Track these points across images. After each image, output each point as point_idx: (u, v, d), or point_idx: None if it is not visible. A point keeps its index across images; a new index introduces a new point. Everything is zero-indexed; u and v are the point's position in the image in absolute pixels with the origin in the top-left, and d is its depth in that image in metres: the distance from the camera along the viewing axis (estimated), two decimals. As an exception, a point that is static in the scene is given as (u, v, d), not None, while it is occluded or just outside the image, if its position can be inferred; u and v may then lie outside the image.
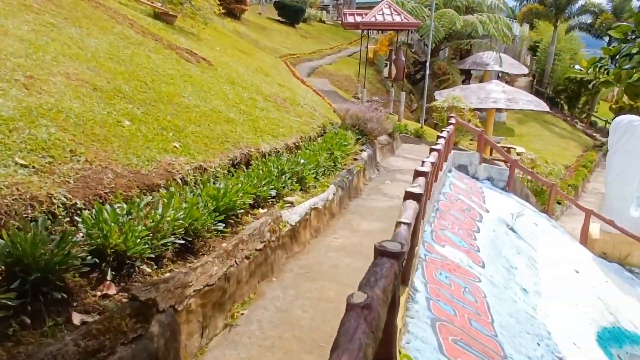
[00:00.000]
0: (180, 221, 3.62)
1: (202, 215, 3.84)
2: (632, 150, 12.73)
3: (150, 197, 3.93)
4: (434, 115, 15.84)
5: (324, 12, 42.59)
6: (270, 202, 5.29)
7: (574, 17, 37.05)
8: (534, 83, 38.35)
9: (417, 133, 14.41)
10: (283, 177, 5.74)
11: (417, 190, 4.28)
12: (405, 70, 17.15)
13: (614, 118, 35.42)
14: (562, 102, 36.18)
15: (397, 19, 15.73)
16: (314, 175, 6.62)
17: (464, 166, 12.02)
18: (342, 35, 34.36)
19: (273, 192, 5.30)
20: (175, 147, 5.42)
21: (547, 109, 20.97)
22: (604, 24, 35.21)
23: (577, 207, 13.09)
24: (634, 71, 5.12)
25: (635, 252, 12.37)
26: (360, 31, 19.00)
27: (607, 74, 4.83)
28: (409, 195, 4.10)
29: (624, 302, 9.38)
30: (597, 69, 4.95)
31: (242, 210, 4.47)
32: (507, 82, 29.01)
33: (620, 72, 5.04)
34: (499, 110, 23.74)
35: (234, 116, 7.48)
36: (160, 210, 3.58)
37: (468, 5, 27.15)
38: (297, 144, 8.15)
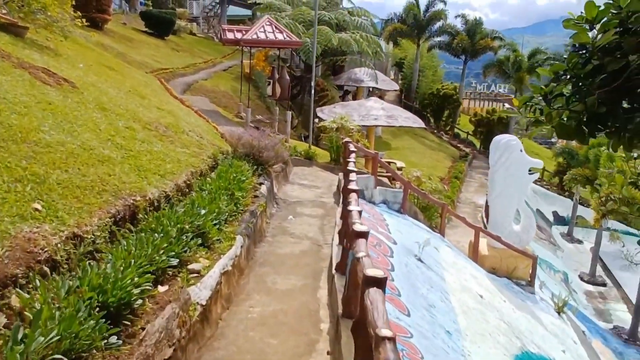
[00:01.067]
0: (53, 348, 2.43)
1: (86, 328, 2.67)
2: (511, 168, 13.49)
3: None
4: (322, 136, 15.44)
5: (194, 24, 40.80)
6: (172, 274, 4.17)
7: (433, 36, 39.90)
8: (402, 97, 40.54)
9: (307, 155, 13.85)
10: (184, 237, 4.63)
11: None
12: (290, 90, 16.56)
13: (474, 129, 38.03)
14: (428, 115, 38.59)
15: (280, 37, 15.10)
16: (217, 226, 5.58)
17: (360, 191, 11.66)
18: (215, 49, 33.02)
19: (174, 261, 4.19)
20: (36, 209, 4.05)
21: (423, 125, 21.88)
22: (460, 44, 38.38)
23: (467, 225, 13.47)
24: (565, 111, 4.81)
25: (520, 265, 13.07)
26: (235, 45, 18.18)
27: (541, 112, 4.52)
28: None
29: (523, 321, 9.65)
30: (529, 108, 4.64)
31: (140, 301, 3.33)
32: (378, 97, 30.14)
33: (551, 112, 4.73)
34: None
35: (109, 153, 6.13)
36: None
37: (338, 23, 27.65)
38: (188, 181, 7.00)
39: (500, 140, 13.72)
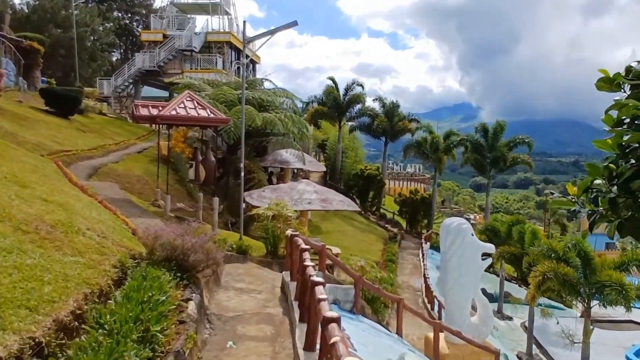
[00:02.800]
0: None
1: None
2: (465, 255, 12.15)
3: None
4: (254, 225, 13.39)
5: (105, 104, 38.22)
6: None
7: (354, 118, 40.32)
8: (327, 179, 39.77)
9: (240, 248, 11.67)
10: None
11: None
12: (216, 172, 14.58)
13: (399, 209, 37.60)
14: (354, 196, 37.86)
15: (203, 113, 13.30)
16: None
17: (308, 292, 9.59)
18: (128, 130, 30.51)
19: None
20: None
21: (357, 208, 20.57)
22: (380, 126, 38.93)
23: (425, 321, 11.71)
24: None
25: (484, 360, 11.44)
26: (150, 125, 16.15)
27: (596, 203, 2.87)
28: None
29: None
30: (589, 197, 2.98)
31: None
32: (302, 178, 28.89)
33: (617, 201, 3.03)
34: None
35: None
36: None
37: (262, 103, 26.63)
38: (79, 310, 4.64)
39: (450, 224, 12.43)
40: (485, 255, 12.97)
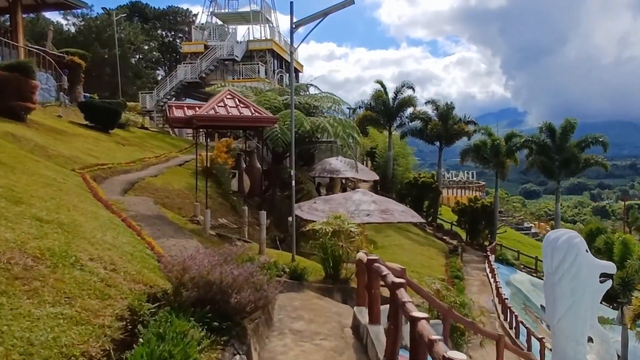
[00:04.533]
0: None
1: None
2: (579, 277, 9.42)
3: None
4: (312, 243, 11.32)
5: (147, 118, 37.44)
6: None
7: (405, 123, 37.92)
8: (378, 188, 37.39)
9: (294, 272, 9.57)
10: None
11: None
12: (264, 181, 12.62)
13: (457, 219, 34.52)
14: (408, 206, 35.26)
15: (246, 112, 11.37)
16: None
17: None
18: (170, 143, 29.32)
19: None
20: None
21: (421, 219, 18.18)
22: (434, 130, 36.30)
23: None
24: None
25: None
26: (193, 137, 14.50)
27: None
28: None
29: None
30: None
31: None
32: (351, 189, 26.72)
33: None
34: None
35: None
36: None
37: (309, 108, 24.71)
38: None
39: (559, 238, 9.63)
40: (604, 276, 10.24)
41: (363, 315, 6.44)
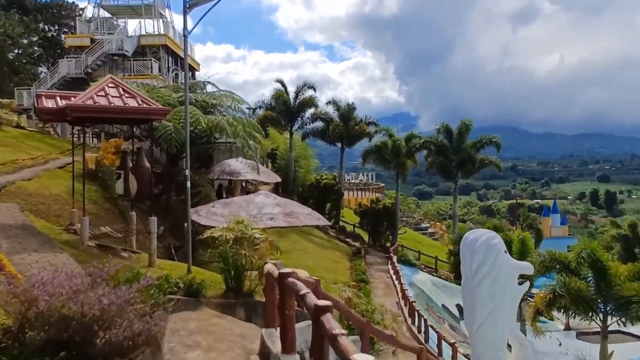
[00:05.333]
0: None
1: None
2: (499, 279, 9.02)
3: None
4: (210, 253, 9.94)
5: (24, 116, 33.16)
6: None
7: (307, 124, 37.37)
8: (279, 190, 36.41)
9: (189, 287, 8.18)
10: None
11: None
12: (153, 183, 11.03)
13: (360, 221, 34.50)
14: (310, 208, 34.70)
15: (132, 102, 9.75)
16: None
17: (301, 354, 6.25)
18: (50, 144, 26.01)
19: None
20: None
21: (327, 222, 17.47)
22: (336, 131, 36.11)
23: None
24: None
25: None
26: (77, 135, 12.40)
27: None
28: None
29: None
30: None
31: None
32: (252, 191, 25.52)
33: None
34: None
35: None
36: None
37: (206, 107, 23.05)
38: None
39: (477, 239, 9.10)
40: (521, 277, 10.01)
41: (274, 340, 5.33)
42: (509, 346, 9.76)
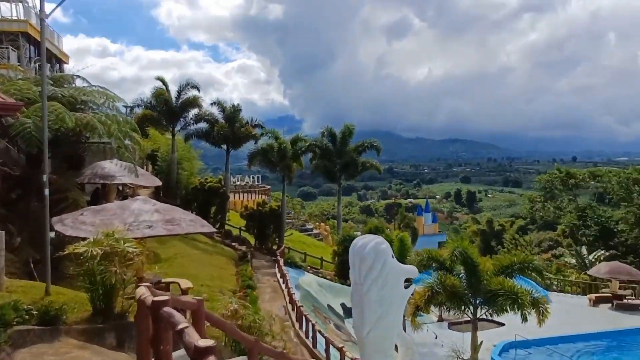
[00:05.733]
0: None
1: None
2: (387, 286, 9.01)
3: None
4: (74, 270, 8.69)
5: None
6: None
7: (190, 125, 35.75)
8: (161, 194, 34.38)
9: (46, 314, 7.03)
10: None
11: None
12: None
13: (246, 224, 33.90)
14: (194, 212, 33.24)
15: (-25, 97, 8.25)
16: None
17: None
18: None
19: None
20: None
21: (212, 229, 16.72)
22: (221, 132, 35.01)
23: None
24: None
25: None
26: None
27: None
28: None
29: None
30: None
31: None
32: (130, 196, 23.79)
33: None
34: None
35: None
36: None
37: (74, 103, 20.84)
38: None
39: (366, 245, 9.01)
40: (406, 280, 10.16)
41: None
42: (395, 347, 9.90)
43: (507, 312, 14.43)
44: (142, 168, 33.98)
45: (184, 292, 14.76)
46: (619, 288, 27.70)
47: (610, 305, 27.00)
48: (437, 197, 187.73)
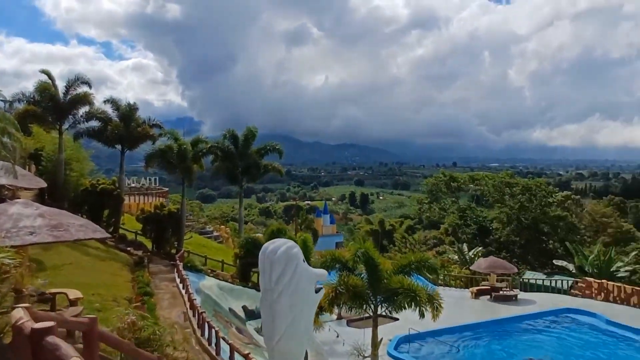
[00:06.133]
0: None
1: None
2: (299, 291, 9.08)
3: None
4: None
5: None
6: None
7: (80, 123, 33.31)
8: (46, 197, 31.65)
9: None
10: None
11: None
12: None
13: (143, 228, 32.68)
14: (84, 215, 31.06)
15: None
16: None
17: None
18: None
19: None
20: None
21: (105, 234, 15.81)
22: (115, 132, 33.05)
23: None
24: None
25: None
26: None
27: None
28: None
29: None
30: None
31: None
32: (8, 198, 21.77)
33: None
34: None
35: None
36: None
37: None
38: None
39: (277, 249, 9.07)
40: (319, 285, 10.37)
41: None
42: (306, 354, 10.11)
43: (405, 308, 15.31)
44: (25, 168, 31.09)
45: (73, 302, 13.81)
46: (496, 281, 30.60)
47: (489, 297, 29.73)
48: (333, 199, 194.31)
